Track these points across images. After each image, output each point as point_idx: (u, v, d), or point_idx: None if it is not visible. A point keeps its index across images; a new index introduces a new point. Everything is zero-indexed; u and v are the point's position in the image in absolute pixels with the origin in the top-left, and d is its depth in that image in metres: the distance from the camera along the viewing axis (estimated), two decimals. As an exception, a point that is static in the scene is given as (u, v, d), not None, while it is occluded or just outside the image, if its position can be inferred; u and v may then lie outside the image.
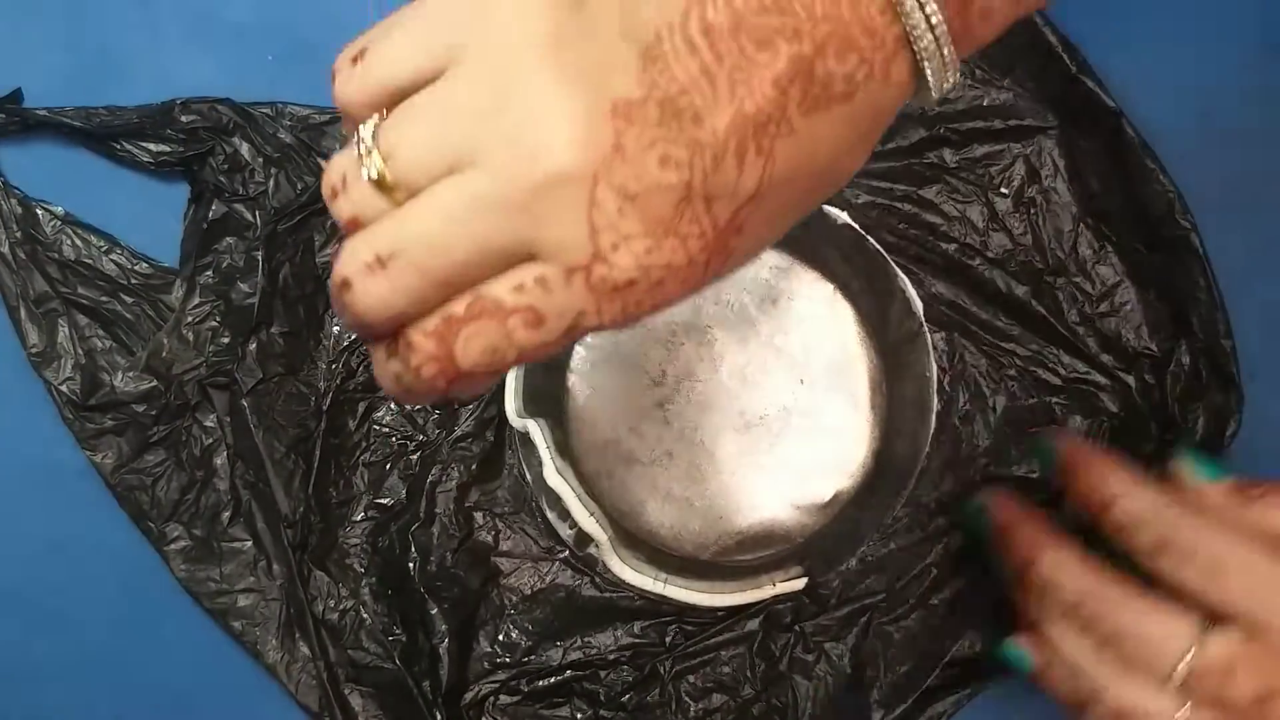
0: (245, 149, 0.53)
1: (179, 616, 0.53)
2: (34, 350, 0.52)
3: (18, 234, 0.52)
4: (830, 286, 0.52)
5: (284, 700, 0.52)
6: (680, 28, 0.28)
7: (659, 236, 0.28)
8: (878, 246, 0.50)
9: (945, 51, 0.29)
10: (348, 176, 0.30)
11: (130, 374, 0.52)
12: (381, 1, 0.52)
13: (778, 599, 0.51)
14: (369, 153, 0.30)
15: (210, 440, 0.53)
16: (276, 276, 0.52)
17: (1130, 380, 0.53)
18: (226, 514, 0.52)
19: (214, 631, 0.53)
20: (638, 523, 0.52)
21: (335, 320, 0.53)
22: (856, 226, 0.50)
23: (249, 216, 0.53)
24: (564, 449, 0.52)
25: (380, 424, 0.53)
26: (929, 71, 0.29)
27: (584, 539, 0.51)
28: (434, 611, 0.52)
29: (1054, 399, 0.53)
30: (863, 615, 0.53)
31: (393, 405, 0.53)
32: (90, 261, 0.53)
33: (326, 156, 0.53)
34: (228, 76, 0.54)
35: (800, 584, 0.50)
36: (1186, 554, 0.42)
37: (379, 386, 0.37)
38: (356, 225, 0.30)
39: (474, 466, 0.52)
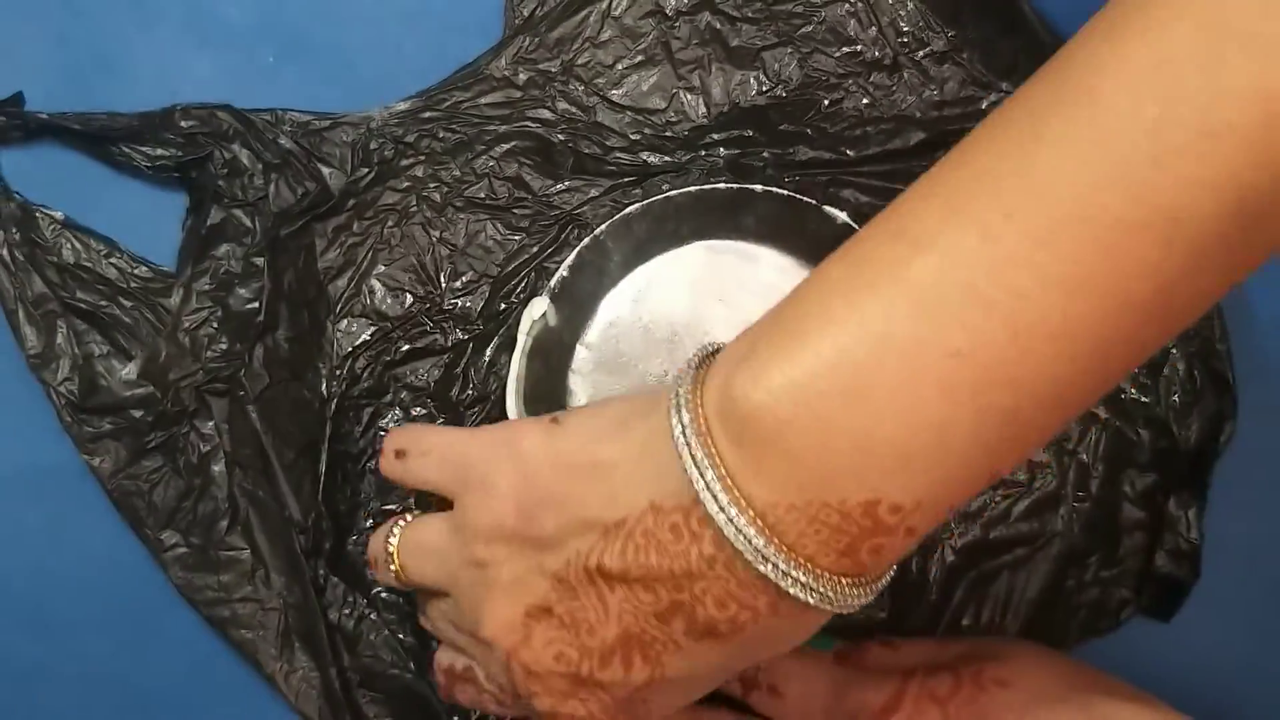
0: (244, 155, 0.53)
1: (177, 623, 0.52)
2: (32, 352, 0.52)
3: (16, 236, 0.52)
4: (832, 287, 0.52)
5: (282, 710, 0.52)
6: (583, 562, 0.36)
7: (560, 698, 0.38)
8: (880, 247, 0.51)
9: (834, 595, 0.33)
10: (378, 561, 0.44)
11: (127, 378, 0.52)
12: None
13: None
14: (392, 558, 0.43)
15: (208, 447, 0.52)
16: (280, 281, 0.52)
17: (1126, 385, 0.53)
18: (224, 522, 0.52)
19: (212, 638, 0.52)
20: None
21: (338, 325, 0.53)
22: (856, 227, 0.51)
23: (247, 222, 0.53)
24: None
25: (386, 430, 0.53)
26: (828, 606, 0.33)
27: None
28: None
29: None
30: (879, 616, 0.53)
31: (398, 411, 0.53)
32: (89, 265, 0.53)
33: (327, 162, 0.53)
34: (227, 77, 0.54)
35: None
36: None
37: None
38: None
39: (481, 468, 0.52)
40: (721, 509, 0.32)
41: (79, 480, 0.52)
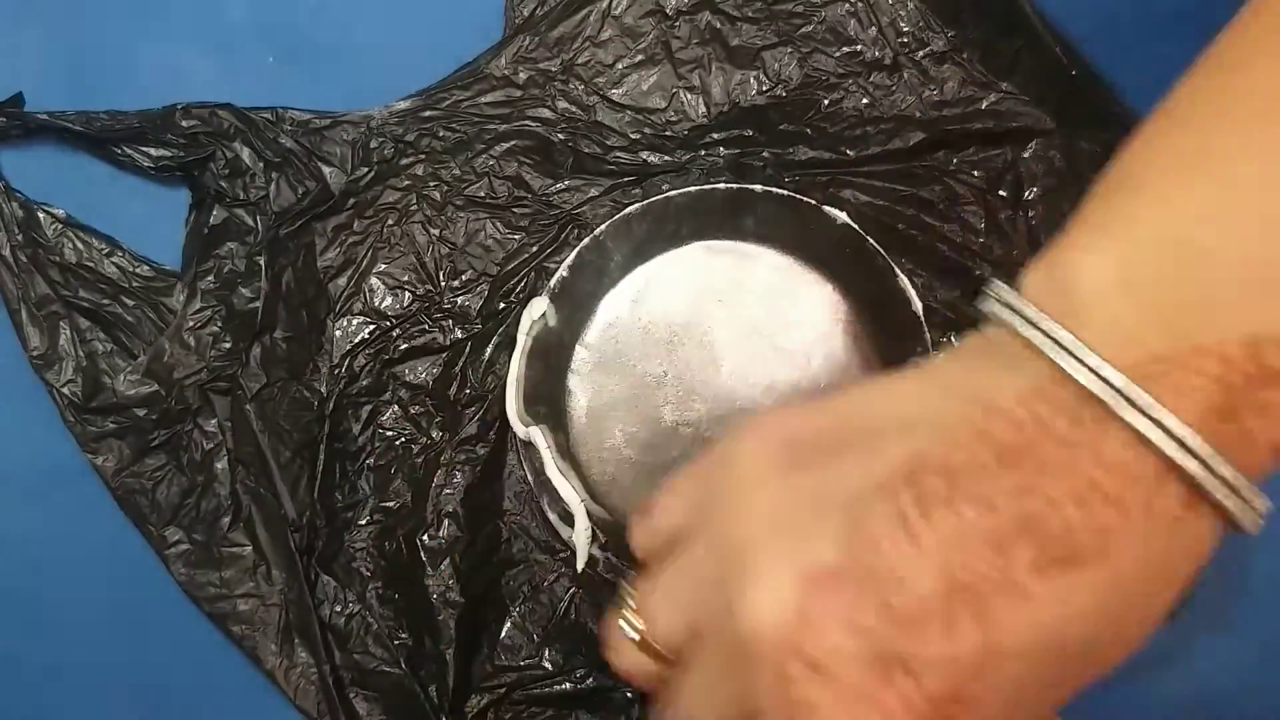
0: (246, 154, 0.53)
1: (178, 619, 0.53)
2: (35, 353, 0.52)
3: (19, 237, 0.52)
4: (830, 287, 0.52)
5: (282, 705, 0.52)
6: (890, 491, 0.27)
7: (849, 703, 0.27)
8: (878, 247, 0.51)
9: (1222, 469, 0.26)
10: (616, 643, 0.35)
11: (131, 378, 0.52)
12: None
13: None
14: (631, 621, 0.34)
15: (211, 445, 0.53)
16: (279, 281, 0.52)
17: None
18: (226, 519, 0.52)
19: (213, 635, 0.52)
20: None
21: (337, 324, 0.53)
22: (856, 227, 0.51)
23: (250, 221, 0.53)
24: (565, 451, 0.52)
25: (384, 428, 0.53)
26: (1216, 493, 0.27)
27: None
28: (440, 616, 0.52)
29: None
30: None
31: (396, 408, 0.53)
32: (92, 264, 0.53)
33: (327, 161, 0.53)
34: (228, 78, 0.55)
35: None
36: None
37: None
38: (631, 676, 0.35)
39: (478, 469, 0.52)
40: (1083, 362, 0.26)
41: (81, 479, 0.53)
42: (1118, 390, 0.26)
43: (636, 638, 0.33)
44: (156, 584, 0.53)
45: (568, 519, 0.51)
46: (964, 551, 0.26)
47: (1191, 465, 0.26)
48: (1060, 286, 0.28)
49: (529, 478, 0.52)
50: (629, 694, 0.52)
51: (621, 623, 0.34)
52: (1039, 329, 0.27)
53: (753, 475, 0.30)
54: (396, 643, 0.51)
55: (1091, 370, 0.26)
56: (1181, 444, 0.26)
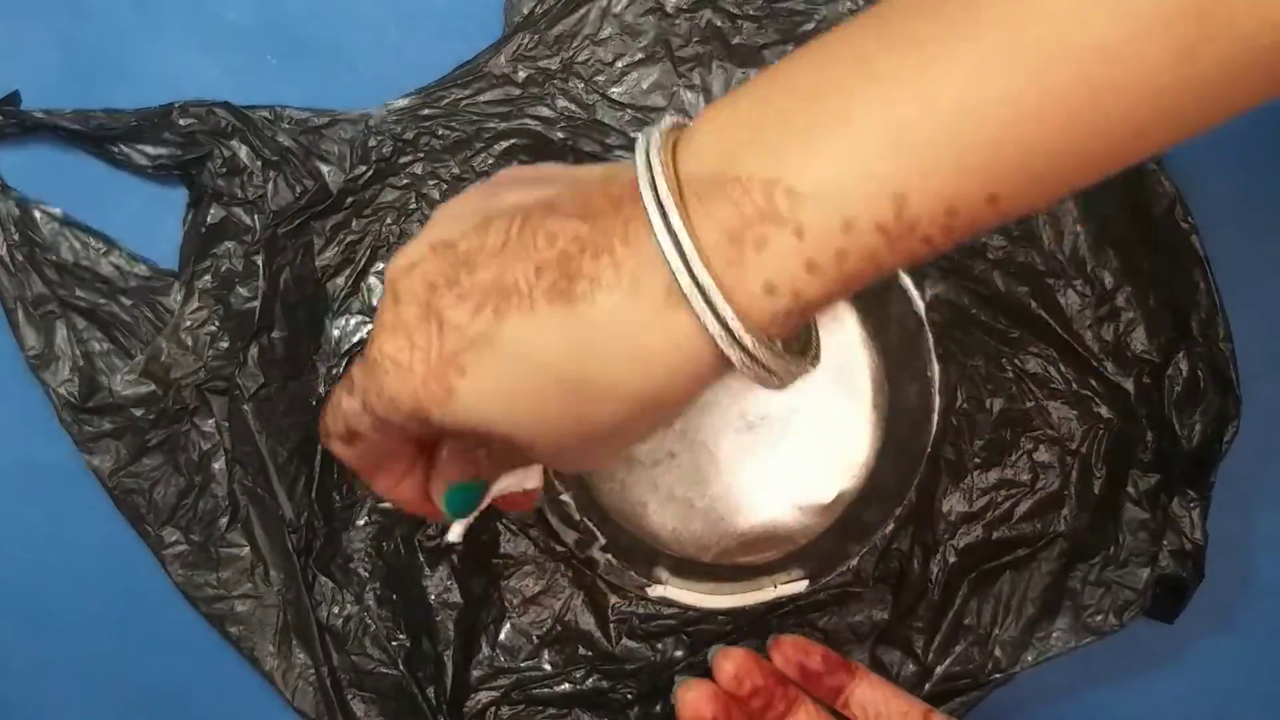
0: (244, 152, 0.53)
1: (176, 620, 0.53)
2: (32, 352, 0.52)
3: (15, 236, 0.52)
4: (831, 287, 0.52)
5: (280, 706, 0.52)
6: (516, 210, 0.34)
7: (398, 333, 0.35)
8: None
9: (701, 276, 0.31)
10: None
11: (128, 377, 0.52)
12: None
13: (780, 603, 0.51)
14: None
15: (208, 445, 0.52)
16: (277, 281, 0.52)
17: (1129, 386, 0.53)
18: (224, 519, 0.52)
19: (211, 635, 0.52)
20: (639, 524, 0.52)
21: (335, 324, 0.53)
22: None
23: (247, 220, 0.53)
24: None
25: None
26: (691, 297, 0.31)
27: (585, 542, 0.51)
28: (438, 617, 0.51)
29: (1051, 403, 0.53)
30: (868, 625, 0.53)
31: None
32: (88, 264, 0.53)
33: (325, 160, 0.53)
34: (228, 77, 0.54)
35: (801, 586, 0.50)
36: None
37: None
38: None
39: (477, 469, 0.52)
40: (653, 172, 0.32)
41: (79, 478, 0.52)
42: (657, 193, 0.31)
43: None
44: (154, 584, 0.52)
45: (567, 520, 0.51)
46: (516, 262, 0.33)
47: (674, 260, 0.31)
48: (687, 131, 0.33)
49: None
50: (629, 694, 0.52)
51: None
52: (651, 141, 0.33)
53: (464, 198, 0.37)
54: (394, 644, 0.51)
55: (651, 181, 0.32)
56: (674, 237, 0.31)
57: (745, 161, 0.31)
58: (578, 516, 0.50)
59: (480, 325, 0.33)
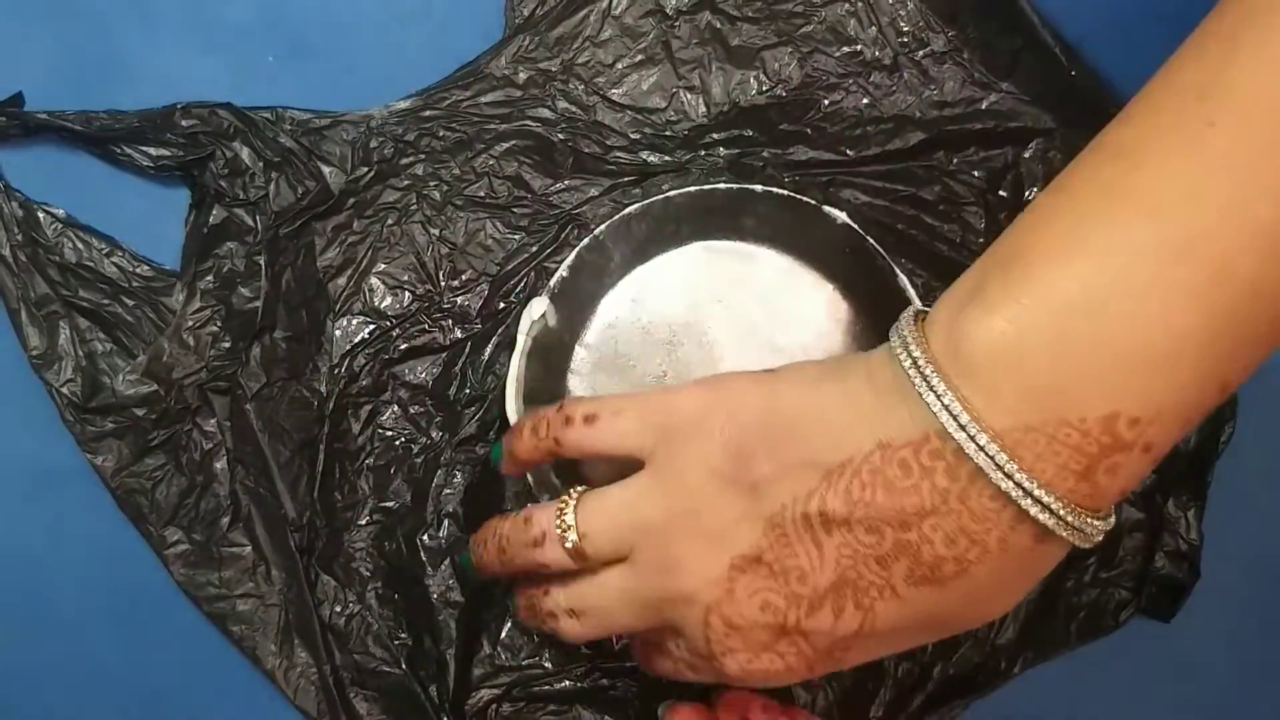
0: (245, 153, 0.53)
1: (176, 620, 0.53)
2: (35, 352, 0.52)
3: (19, 236, 0.52)
4: (830, 286, 0.52)
5: (282, 705, 0.52)
6: (801, 506, 0.35)
7: (756, 652, 0.37)
8: (877, 247, 0.51)
9: (1070, 518, 0.33)
10: (547, 537, 0.41)
11: (131, 377, 0.52)
12: None
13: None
14: (569, 529, 0.40)
15: (210, 445, 0.53)
16: (279, 281, 0.52)
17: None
18: (226, 519, 0.52)
19: (212, 635, 0.52)
20: None
21: (337, 324, 0.53)
22: (856, 227, 0.51)
23: (249, 221, 0.53)
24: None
25: (384, 428, 0.53)
26: (1063, 533, 0.33)
27: None
28: (440, 616, 0.52)
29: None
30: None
31: (396, 408, 0.53)
32: (91, 264, 0.53)
33: (327, 161, 0.53)
34: (228, 77, 0.55)
35: None
36: None
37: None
38: (545, 567, 0.41)
39: (478, 468, 0.52)
40: (962, 427, 0.32)
41: (81, 478, 0.53)
42: (986, 453, 0.32)
43: (572, 547, 0.40)
44: (155, 584, 0.53)
45: None
46: (855, 561, 0.34)
47: (1043, 517, 0.33)
48: (955, 348, 0.34)
49: (528, 477, 0.52)
50: (630, 690, 0.52)
51: (559, 518, 0.41)
52: (931, 389, 0.33)
53: (705, 465, 0.37)
54: (396, 642, 0.51)
55: (967, 433, 0.32)
56: (1038, 501, 0.32)
57: (1067, 403, 0.32)
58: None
59: (850, 624, 0.35)
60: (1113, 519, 0.35)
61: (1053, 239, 0.33)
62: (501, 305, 0.53)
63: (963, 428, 0.32)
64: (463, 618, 0.52)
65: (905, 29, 0.53)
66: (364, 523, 0.52)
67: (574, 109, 0.54)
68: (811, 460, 0.35)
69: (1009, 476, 0.32)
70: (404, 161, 0.54)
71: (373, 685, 0.51)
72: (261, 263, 0.52)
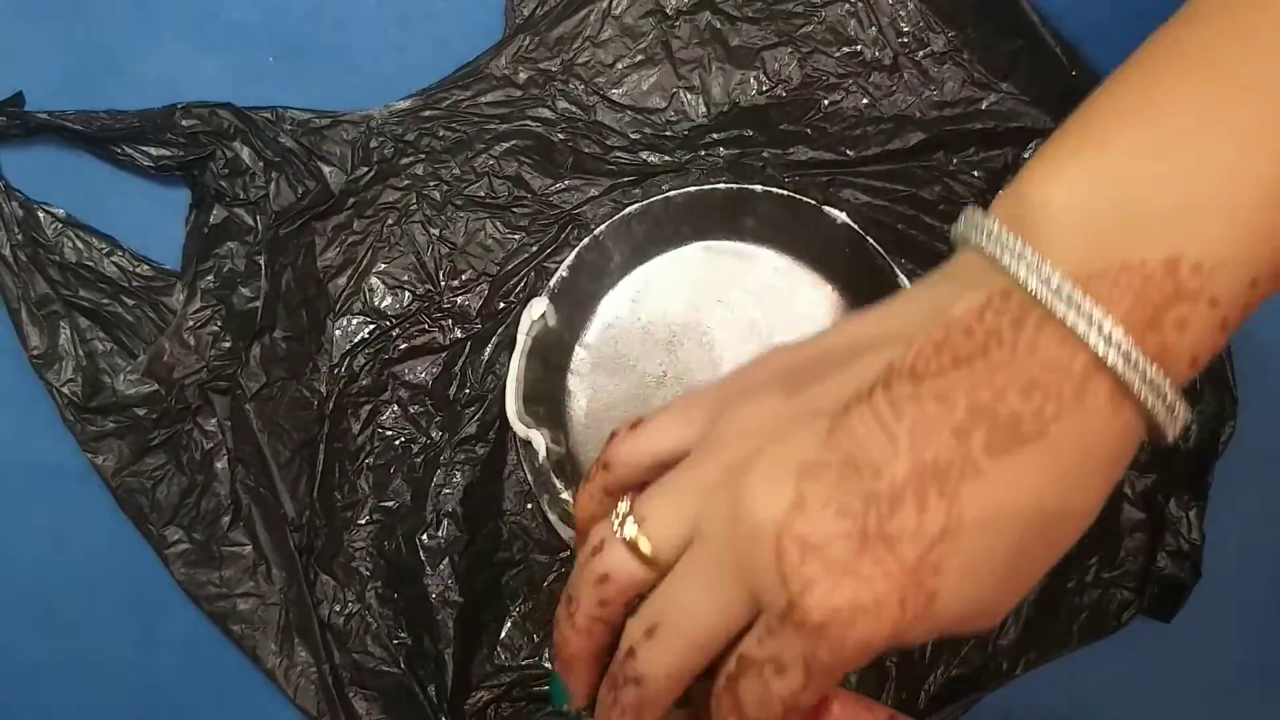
0: (246, 153, 0.53)
1: (177, 621, 0.53)
2: (35, 352, 0.52)
3: (19, 236, 0.52)
4: (830, 287, 0.52)
5: (282, 704, 0.52)
6: (867, 397, 0.32)
7: (838, 577, 0.31)
8: (877, 247, 0.51)
9: (1143, 366, 0.31)
10: (605, 541, 0.36)
11: (131, 377, 0.52)
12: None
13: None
14: (626, 519, 0.35)
15: (211, 444, 0.53)
16: (279, 281, 0.52)
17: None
18: (226, 518, 0.52)
19: (212, 636, 0.53)
20: None
21: (337, 324, 0.53)
22: (856, 227, 0.51)
23: (250, 221, 0.53)
24: (564, 450, 0.52)
25: (383, 427, 0.53)
26: (1139, 391, 0.31)
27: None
28: (439, 616, 0.52)
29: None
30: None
31: (395, 408, 0.53)
32: (92, 264, 0.53)
33: (327, 160, 0.53)
34: (229, 77, 0.55)
35: None
36: None
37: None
38: (606, 580, 0.36)
39: (478, 468, 0.52)
40: (1025, 269, 0.31)
41: (82, 479, 0.53)
42: (1055, 291, 0.31)
43: (631, 536, 0.35)
44: (155, 585, 0.53)
45: (567, 519, 0.51)
46: (929, 440, 0.31)
47: (1116, 360, 0.30)
48: (1020, 211, 0.32)
49: (528, 477, 0.52)
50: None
51: (615, 522, 0.36)
52: (1000, 241, 0.32)
53: (756, 401, 0.34)
54: (395, 642, 0.51)
55: (1035, 273, 0.31)
56: (1108, 339, 0.30)
57: (1130, 247, 0.31)
58: None
59: (937, 517, 0.31)
60: (1186, 413, 0.32)
61: (1109, 106, 0.33)
62: (501, 305, 0.53)
63: (1026, 269, 0.31)
64: (461, 617, 0.52)
65: (905, 29, 0.53)
66: (363, 522, 0.52)
67: (574, 109, 0.54)
68: (872, 356, 0.33)
69: (1076, 307, 0.30)
70: (404, 161, 0.54)
71: (372, 685, 0.51)
72: (261, 262, 0.52)
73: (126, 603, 0.53)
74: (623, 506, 0.36)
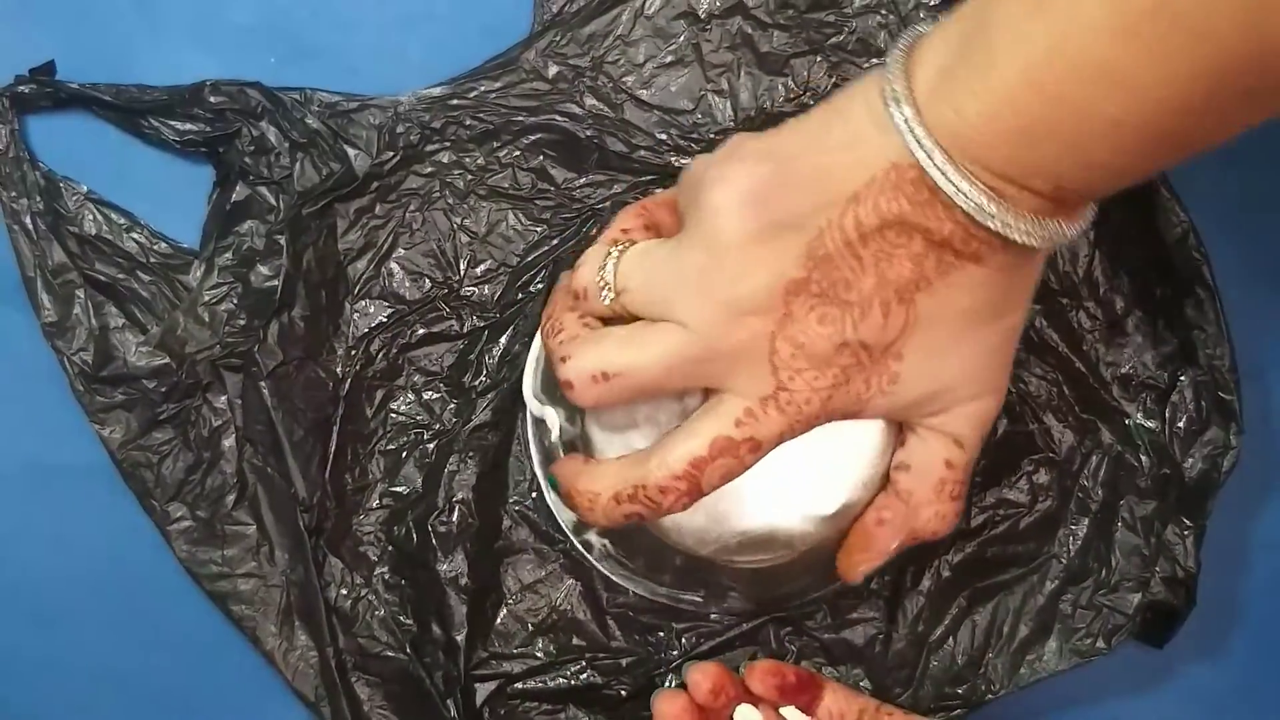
0: (272, 133, 0.53)
1: (178, 620, 0.53)
2: (48, 320, 0.52)
3: (40, 205, 0.52)
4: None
5: (284, 702, 0.52)
6: (838, 225, 0.38)
7: (822, 367, 0.39)
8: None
9: (1009, 220, 0.36)
10: (589, 292, 0.43)
11: (143, 349, 0.52)
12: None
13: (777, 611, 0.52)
14: (607, 286, 0.42)
15: (220, 422, 0.52)
16: (300, 260, 0.52)
17: (1132, 411, 0.54)
18: (231, 497, 0.52)
19: (214, 633, 0.53)
20: None
21: (355, 306, 0.53)
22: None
23: (272, 200, 0.53)
24: (577, 430, 0.51)
25: (397, 413, 0.53)
26: (1025, 239, 0.37)
27: (582, 525, 0.51)
28: (451, 602, 0.52)
29: (1054, 426, 0.54)
30: (862, 639, 0.54)
31: (410, 393, 0.53)
32: (110, 238, 0.53)
33: (352, 144, 0.53)
34: (229, 78, 0.54)
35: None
36: None
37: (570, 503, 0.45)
38: (583, 315, 0.43)
39: (490, 455, 0.53)
40: (939, 164, 0.36)
41: (83, 479, 0.53)
42: (941, 171, 0.36)
43: (608, 297, 0.42)
44: (156, 585, 0.53)
45: (568, 501, 0.51)
46: (892, 264, 0.38)
47: (999, 227, 0.36)
48: (935, 112, 0.36)
49: (534, 457, 0.52)
50: (623, 691, 0.53)
51: (600, 272, 0.42)
52: (903, 114, 0.36)
53: (732, 218, 0.39)
54: (402, 628, 0.51)
55: (945, 166, 0.36)
56: (983, 211, 0.36)
57: (1024, 172, 0.36)
58: None
59: (898, 319, 0.39)
60: (1068, 228, 0.38)
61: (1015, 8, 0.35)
62: (519, 296, 0.53)
63: (939, 164, 0.36)
64: (475, 604, 0.52)
65: (935, 44, 0.54)
66: (374, 506, 0.52)
67: (602, 106, 0.54)
68: (839, 187, 0.38)
69: (961, 191, 0.36)
70: (429, 149, 0.54)
71: (375, 670, 0.51)
72: (283, 241, 0.52)
73: (127, 603, 0.53)
74: (608, 272, 0.42)
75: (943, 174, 0.36)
